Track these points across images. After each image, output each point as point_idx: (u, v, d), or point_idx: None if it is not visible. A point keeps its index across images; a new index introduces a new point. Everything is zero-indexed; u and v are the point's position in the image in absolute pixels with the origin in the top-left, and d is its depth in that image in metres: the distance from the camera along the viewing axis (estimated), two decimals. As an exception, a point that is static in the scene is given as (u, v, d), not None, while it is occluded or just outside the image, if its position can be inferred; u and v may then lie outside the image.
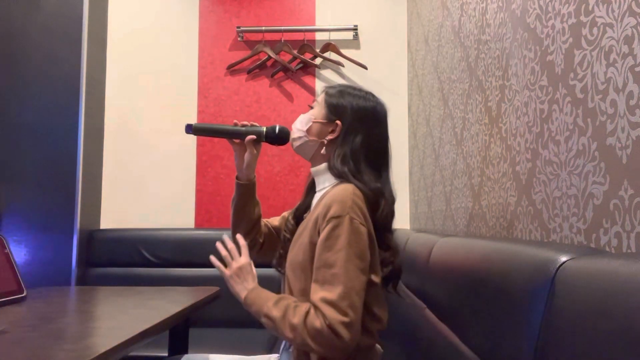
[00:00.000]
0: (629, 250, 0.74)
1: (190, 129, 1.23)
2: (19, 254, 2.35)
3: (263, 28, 2.74)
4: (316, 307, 0.95)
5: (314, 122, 1.15)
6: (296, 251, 1.08)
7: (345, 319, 0.93)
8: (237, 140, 1.24)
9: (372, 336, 1.06)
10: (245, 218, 1.27)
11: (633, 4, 0.74)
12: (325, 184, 1.14)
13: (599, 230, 0.82)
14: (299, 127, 1.17)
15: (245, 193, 1.26)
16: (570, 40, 0.92)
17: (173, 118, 2.78)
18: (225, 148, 2.76)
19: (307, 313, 0.95)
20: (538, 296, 0.70)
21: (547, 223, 1.01)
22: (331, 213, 0.99)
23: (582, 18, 0.88)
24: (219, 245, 1.13)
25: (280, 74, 2.79)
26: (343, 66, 2.75)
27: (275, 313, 0.99)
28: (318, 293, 0.96)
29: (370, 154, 1.10)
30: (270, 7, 2.83)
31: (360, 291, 0.97)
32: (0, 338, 1.01)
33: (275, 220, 1.35)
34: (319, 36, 2.81)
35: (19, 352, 0.93)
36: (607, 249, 0.80)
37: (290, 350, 1.13)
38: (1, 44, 2.47)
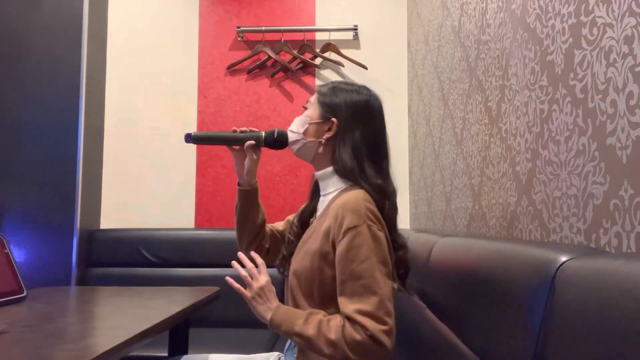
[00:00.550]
0: (629, 250, 0.74)
1: (189, 138, 1.23)
2: (19, 254, 2.35)
3: (263, 28, 2.74)
4: (352, 320, 0.94)
5: (309, 123, 1.14)
6: (302, 257, 1.07)
7: (385, 327, 0.93)
8: (236, 147, 1.23)
9: None
10: (249, 224, 1.26)
11: (633, 4, 0.74)
12: (331, 188, 1.13)
13: (599, 230, 0.82)
14: (295, 130, 1.16)
15: (248, 199, 1.25)
16: (570, 40, 0.92)
17: (173, 118, 2.78)
18: (225, 148, 2.74)
19: (344, 327, 0.95)
20: (538, 296, 0.70)
21: (547, 223, 1.01)
22: (347, 224, 0.98)
23: (582, 18, 0.88)
24: (236, 266, 1.08)
25: (280, 74, 2.79)
26: (343, 66, 2.75)
27: (310, 332, 0.97)
28: (350, 306, 0.95)
29: (371, 148, 1.10)
30: (270, 7, 2.83)
31: (391, 297, 0.97)
32: (0, 338, 1.01)
33: (280, 225, 1.33)
34: (319, 36, 2.81)
35: (19, 352, 0.93)
36: (607, 249, 0.80)
37: (295, 348, 1.13)
38: (1, 44, 2.47)
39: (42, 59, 2.47)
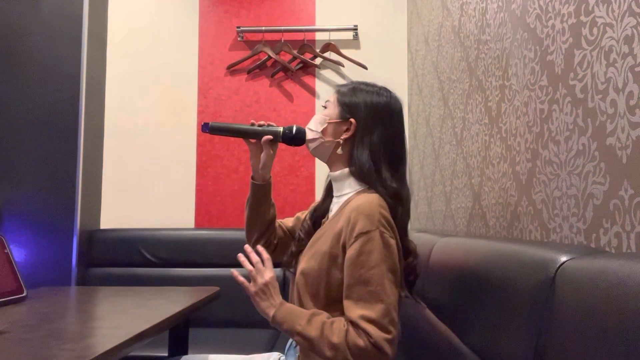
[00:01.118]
0: (629, 250, 0.74)
1: (207, 127, 1.22)
2: (19, 254, 2.35)
3: (263, 28, 2.74)
4: (356, 325, 0.94)
5: (328, 122, 1.13)
6: (311, 257, 1.06)
7: (389, 336, 0.93)
8: (253, 140, 1.22)
9: None
10: (259, 219, 1.25)
11: (633, 4, 0.74)
12: (346, 190, 1.12)
13: (599, 230, 0.82)
14: (314, 128, 1.15)
15: (261, 193, 1.25)
16: (570, 40, 0.92)
17: (173, 118, 2.78)
18: (226, 148, 2.76)
19: (347, 331, 0.94)
20: (538, 296, 0.70)
21: (547, 223, 1.01)
22: (359, 228, 0.97)
23: (582, 18, 0.88)
24: (242, 259, 1.07)
25: (280, 74, 2.79)
26: (343, 66, 2.75)
27: (312, 332, 0.96)
28: (356, 311, 0.95)
29: (388, 151, 1.08)
30: (270, 7, 2.83)
31: (397, 306, 0.97)
32: (0, 338, 1.01)
33: (289, 221, 1.33)
34: (319, 36, 2.81)
35: (19, 352, 0.93)
36: (607, 249, 0.80)
37: (297, 348, 1.13)
38: (1, 44, 2.47)
39: (42, 59, 2.47)
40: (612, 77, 0.78)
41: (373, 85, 1.14)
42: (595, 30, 0.84)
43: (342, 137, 1.11)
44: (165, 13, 2.83)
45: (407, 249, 1.07)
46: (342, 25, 2.75)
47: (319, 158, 1.18)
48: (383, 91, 1.13)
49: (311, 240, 1.12)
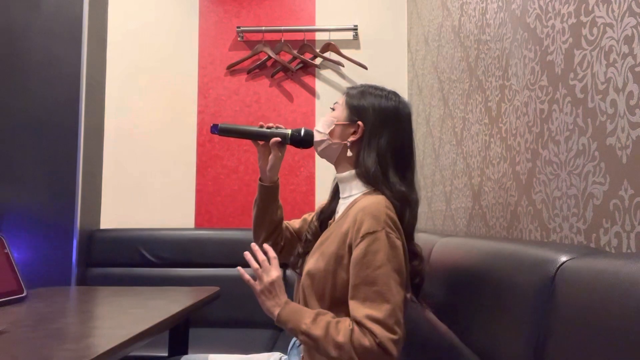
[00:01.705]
0: (629, 250, 0.74)
1: (215, 129, 1.22)
2: (19, 254, 2.34)
3: (263, 28, 2.74)
4: (361, 325, 0.94)
5: (336, 124, 1.13)
6: (317, 258, 1.06)
7: (394, 337, 0.93)
8: (261, 142, 1.23)
9: None
10: (267, 220, 1.26)
11: (633, 4, 0.74)
12: (353, 191, 1.12)
13: (599, 230, 0.82)
14: (321, 130, 1.15)
15: (269, 195, 1.25)
16: (570, 40, 0.92)
17: (173, 118, 2.78)
18: (226, 148, 2.76)
19: (352, 331, 0.94)
20: (538, 296, 0.70)
21: (547, 223, 1.01)
22: (365, 229, 0.98)
23: (582, 18, 0.88)
24: (249, 258, 1.07)
25: (280, 74, 2.79)
26: (343, 66, 2.75)
27: (317, 332, 0.96)
28: (361, 310, 0.95)
29: (396, 156, 1.08)
30: (270, 7, 2.83)
31: (402, 306, 0.97)
32: (0, 338, 1.01)
33: (295, 223, 1.33)
34: (319, 36, 2.81)
35: (19, 352, 0.93)
36: (607, 249, 0.80)
37: (300, 347, 1.13)
38: (1, 44, 2.47)
39: (42, 59, 2.47)
40: (612, 77, 0.78)
41: (382, 89, 1.14)
42: (595, 30, 0.84)
43: (349, 140, 1.11)
44: (165, 13, 2.83)
45: (413, 253, 1.07)
46: (342, 25, 2.75)
47: (326, 159, 1.18)
48: (392, 95, 1.13)
49: (318, 242, 1.12)
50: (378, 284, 0.95)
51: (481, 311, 0.90)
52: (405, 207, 1.04)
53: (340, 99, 1.16)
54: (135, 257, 2.49)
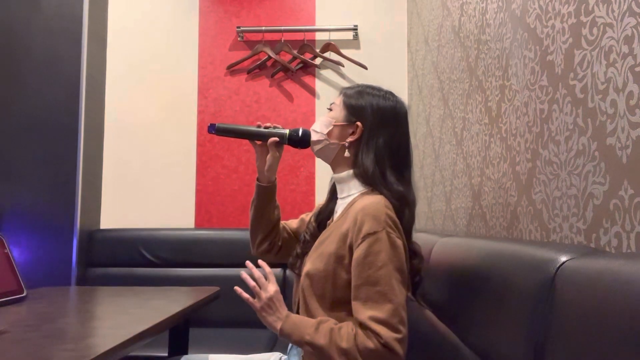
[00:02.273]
0: (629, 250, 0.74)
1: (213, 128, 1.22)
2: (19, 254, 2.35)
3: (263, 28, 2.74)
4: (365, 327, 0.94)
5: (334, 125, 1.13)
6: (316, 259, 1.06)
7: (399, 336, 0.93)
8: (259, 142, 1.22)
9: None
10: (264, 220, 1.26)
11: (633, 4, 0.74)
12: (351, 191, 1.12)
13: (599, 230, 0.82)
14: (319, 130, 1.14)
15: (266, 195, 1.25)
16: (570, 40, 0.92)
17: (173, 118, 2.78)
18: (226, 148, 2.76)
19: (356, 335, 0.94)
20: (538, 296, 0.70)
21: (547, 223, 1.01)
22: (366, 229, 0.98)
23: (582, 18, 0.88)
24: (245, 276, 1.07)
25: (280, 74, 2.79)
26: (343, 66, 2.75)
27: (321, 341, 0.96)
28: (364, 312, 0.95)
29: (394, 155, 1.09)
30: (270, 7, 2.83)
31: (405, 305, 0.97)
32: (0, 338, 1.01)
33: (293, 223, 1.33)
34: (319, 36, 2.81)
35: (19, 352, 0.93)
36: (607, 249, 0.80)
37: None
38: (1, 44, 2.47)
39: (42, 59, 2.47)
40: (612, 77, 0.78)
41: (379, 89, 1.14)
42: (595, 30, 0.84)
43: (347, 140, 1.11)
44: (165, 13, 2.83)
45: (413, 251, 1.07)
46: (342, 25, 2.75)
47: (323, 160, 1.18)
48: (389, 95, 1.14)
49: (316, 242, 1.12)
50: (380, 284, 0.95)
51: (481, 311, 0.90)
52: (404, 207, 1.04)
53: (337, 99, 1.16)
54: (135, 257, 2.49)
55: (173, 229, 2.60)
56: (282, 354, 1.28)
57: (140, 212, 2.73)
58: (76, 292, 1.86)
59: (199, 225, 2.74)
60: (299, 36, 2.77)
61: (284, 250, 1.28)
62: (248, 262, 1.10)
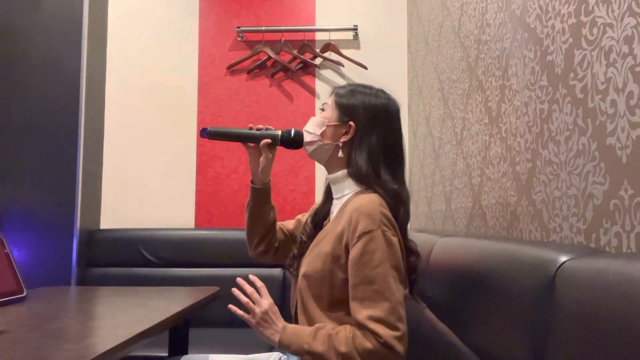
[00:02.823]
0: (629, 250, 0.74)
1: (205, 133, 1.22)
2: (19, 254, 2.34)
3: (263, 28, 2.74)
4: (363, 327, 0.94)
5: (327, 125, 1.12)
6: (313, 259, 1.06)
7: (398, 333, 0.93)
8: (252, 144, 1.22)
9: None
10: (260, 222, 1.25)
11: (633, 4, 0.74)
12: (345, 191, 1.12)
13: (599, 230, 0.82)
14: (312, 130, 1.14)
15: (261, 197, 1.25)
16: (570, 40, 0.92)
17: (173, 118, 2.78)
18: (226, 149, 2.76)
19: (354, 337, 0.94)
20: (538, 296, 0.70)
21: (547, 223, 1.01)
22: (361, 228, 0.98)
23: (582, 18, 0.88)
24: (237, 293, 1.07)
25: (280, 74, 2.79)
26: (343, 66, 2.75)
27: (319, 348, 0.96)
28: (362, 312, 0.95)
29: (387, 153, 1.09)
30: (270, 7, 2.83)
31: (403, 302, 0.97)
32: (0, 338, 1.01)
33: (290, 224, 1.33)
34: (319, 36, 2.81)
35: (19, 352, 0.93)
36: (607, 249, 0.80)
37: None
38: (1, 44, 2.47)
39: (42, 59, 2.47)
40: (612, 77, 0.78)
41: (370, 88, 1.15)
42: (595, 30, 0.84)
43: (341, 140, 1.11)
44: (165, 13, 2.83)
45: (409, 249, 1.07)
46: (342, 25, 2.75)
47: (316, 160, 1.18)
48: (381, 93, 1.14)
49: (313, 243, 1.12)
50: (377, 282, 0.95)
51: (481, 311, 0.90)
52: (399, 205, 1.05)
53: (329, 99, 1.16)
54: (135, 257, 2.49)
55: (173, 229, 2.60)
56: (282, 354, 1.28)
57: (140, 212, 2.73)
58: (76, 292, 1.86)
59: (199, 225, 2.74)
60: (299, 36, 2.77)
61: (281, 251, 1.28)
62: (239, 279, 1.08)
